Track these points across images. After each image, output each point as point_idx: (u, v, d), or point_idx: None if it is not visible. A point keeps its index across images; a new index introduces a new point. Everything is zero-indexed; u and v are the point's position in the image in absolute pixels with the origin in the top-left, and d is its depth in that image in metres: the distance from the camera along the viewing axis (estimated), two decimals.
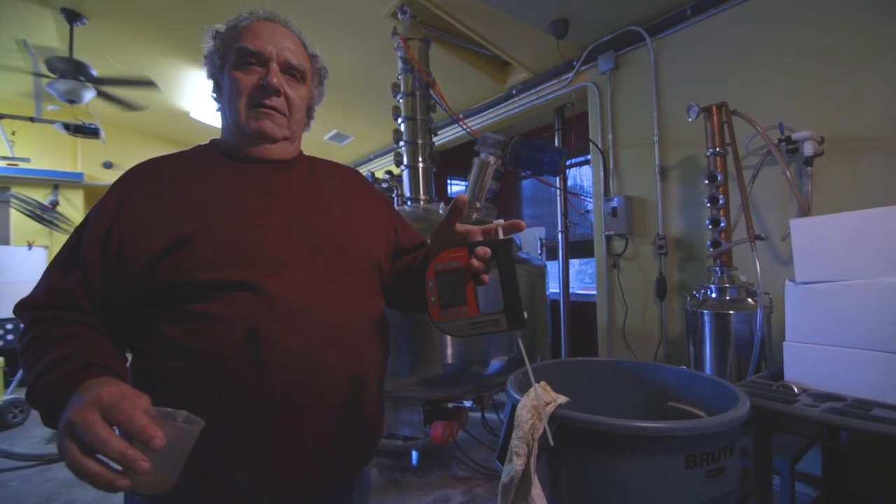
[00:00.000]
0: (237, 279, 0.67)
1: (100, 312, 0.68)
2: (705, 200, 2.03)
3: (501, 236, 0.64)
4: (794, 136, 1.93)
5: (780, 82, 2.05)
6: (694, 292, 2.04)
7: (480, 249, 0.62)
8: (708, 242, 2.01)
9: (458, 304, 0.63)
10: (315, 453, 0.71)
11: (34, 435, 3.10)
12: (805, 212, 1.92)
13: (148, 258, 0.66)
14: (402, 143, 2.53)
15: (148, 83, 3.78)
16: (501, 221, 0.65)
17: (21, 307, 0.68)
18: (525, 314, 0.61)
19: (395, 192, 2.57)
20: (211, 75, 0.83)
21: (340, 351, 0.72)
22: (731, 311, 1.83)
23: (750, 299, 1.86)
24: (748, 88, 2.15)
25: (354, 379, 0.75)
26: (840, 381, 1.28)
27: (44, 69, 3.54)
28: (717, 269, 1.95)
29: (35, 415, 3.41)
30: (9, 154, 4.99)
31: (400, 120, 2.54)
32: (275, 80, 0.76)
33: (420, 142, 2.51)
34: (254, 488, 0.68)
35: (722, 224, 1.96)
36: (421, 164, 2.52)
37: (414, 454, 2.45)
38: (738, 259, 2.01)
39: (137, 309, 0.68)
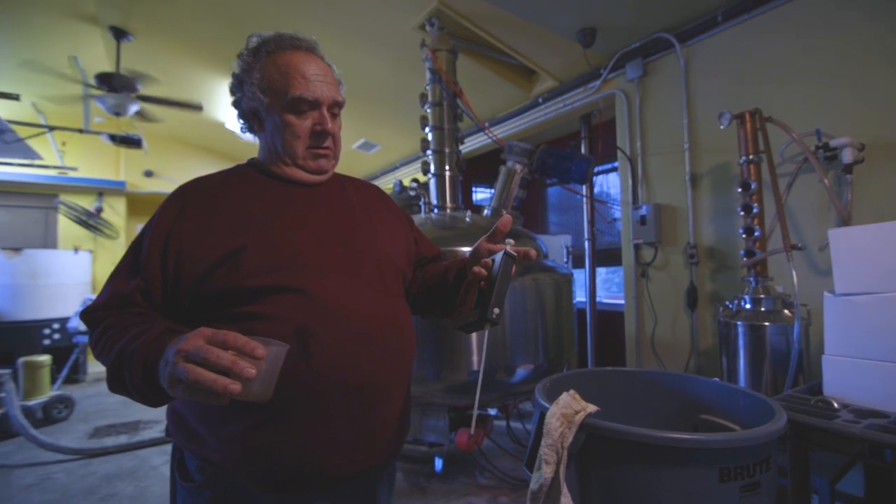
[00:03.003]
0: (285, 283, 0.74)
1: (160, 314, 0.75)
2: (738, 209, 1.98)
3: (508, 249, 0.75)
4: (833, 142, 1.86)
5: (816, 87, 1.99)
6: (727, 303, 1.98)
7: (486, 260, 0.76)
8: (741, 252, 1.96)
9: (464, 304, 0.80)
10: (355, 440, 0.77)
11: (78, 430, 3.26)
12: (845, 221, 1.86)
13: (204, 268, 0.74)
14: (429, 152, 2.58)
15: (194, 106, 3.96)
16: (511, 242, 0.77)
17: (87, 312, 0.76)
18: (496, 311, 0.70)
19: (423, 200, 2.61)
20: (250, 107, 0.86)
21: (376, 347, 0.79)
22: (767, 323, 1.78)
23: (786, 311, 1.80)
24: (782, 94, 2.10)
25: (388, 372, 0.82)
26: (883, 396, 1.23)
27: (93, 84, 3.76)
28: (752, 279, 1.90)
29: (79, 410, 3.58)
30: (59, 163, 5.32)
31: (427, 129, 2.59)
32: (329, 126, 0.85)
33: (447, 151, 2.55)
34: (297, 474, 0.74)
35: (756, 233, 1.91)
36: (448, 173, 2.55)
37: (438, 461, 2.46)
38: (774, 269, 1.95)
39: (194, 312, 0.75)
